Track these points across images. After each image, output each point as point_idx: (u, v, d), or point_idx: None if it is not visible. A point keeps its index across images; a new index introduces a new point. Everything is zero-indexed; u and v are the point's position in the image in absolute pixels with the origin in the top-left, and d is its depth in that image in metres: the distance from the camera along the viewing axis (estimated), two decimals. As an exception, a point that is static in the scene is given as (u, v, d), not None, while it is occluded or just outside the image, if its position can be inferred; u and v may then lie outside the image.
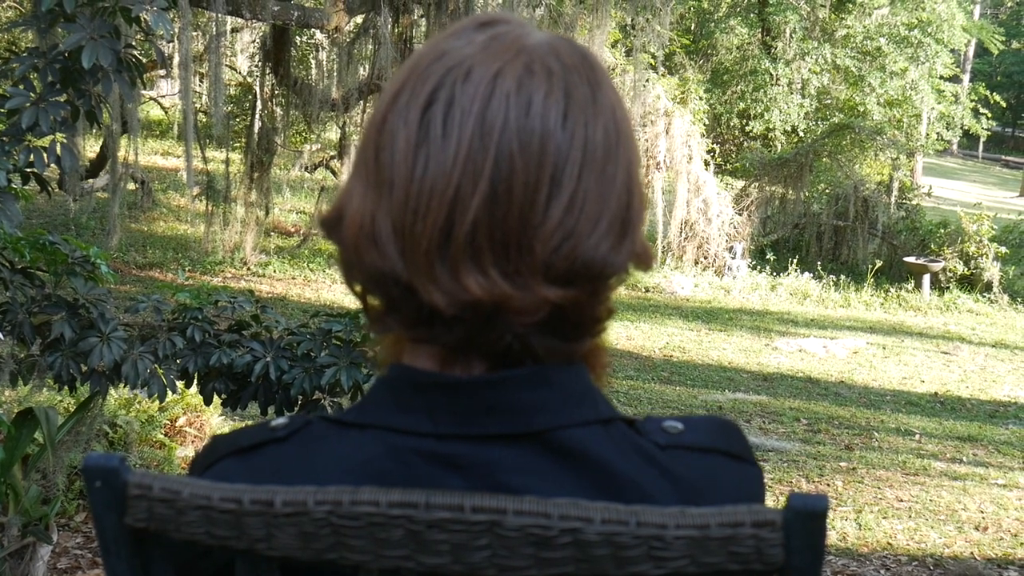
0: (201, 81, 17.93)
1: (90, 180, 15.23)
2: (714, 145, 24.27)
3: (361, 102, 14.82)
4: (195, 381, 4.38)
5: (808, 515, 0.93)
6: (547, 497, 0.94)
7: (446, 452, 1.03)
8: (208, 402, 4.41)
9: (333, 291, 15.53)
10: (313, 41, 17.14)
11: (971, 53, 43.52)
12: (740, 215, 20.32)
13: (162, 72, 16.54)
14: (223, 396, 4.38)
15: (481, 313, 1.00)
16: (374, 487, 0.97)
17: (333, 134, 19.48)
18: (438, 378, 1.05)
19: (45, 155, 4.21)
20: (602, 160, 1.05)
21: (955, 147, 46.83)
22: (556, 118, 1.03)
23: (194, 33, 14.95)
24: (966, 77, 40.98)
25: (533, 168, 1.00)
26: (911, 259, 19.43)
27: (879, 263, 19.71)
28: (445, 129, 1.01)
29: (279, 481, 1.03)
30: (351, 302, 13.84)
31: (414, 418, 1.05)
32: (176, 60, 10.90)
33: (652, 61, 19.51)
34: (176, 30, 9.42)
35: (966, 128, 29.28)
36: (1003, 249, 19.39)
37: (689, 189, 19.44)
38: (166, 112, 21.91)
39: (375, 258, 1.03)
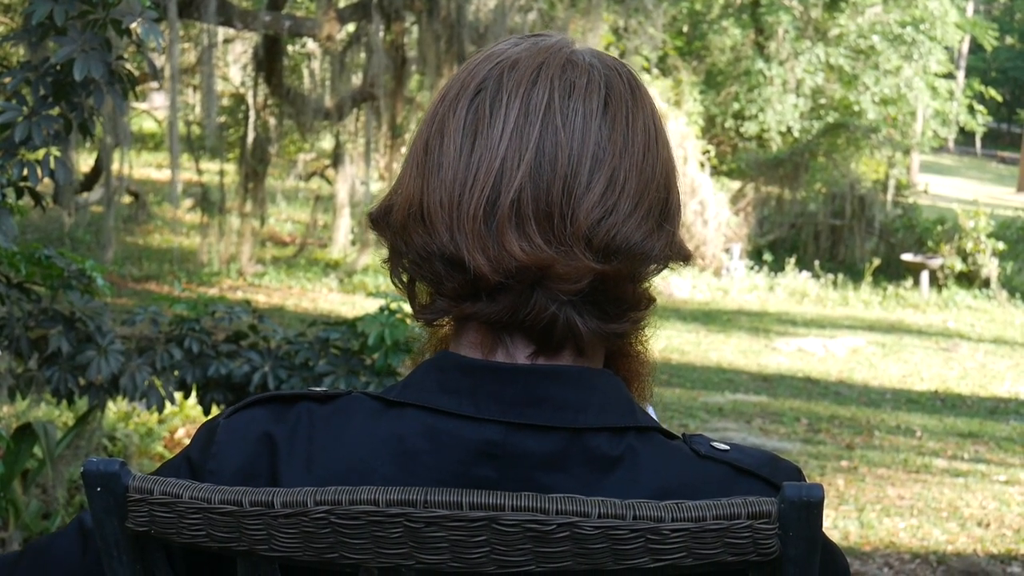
0: (194, 92, 17.94)
1: (85, 194, 15.22)
2: (709, 146, 24.24)
3: (355, 110, 14.82)
4: (193, 392, 4.39)
5: (803, 505, 0.93)
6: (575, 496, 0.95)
7: (483, 438, 1.04)
8: (207, 413, 4.42)
9: (330, 300, 15.52)
10: (305, 50, 17.15)
11: (965, 49, 43.54)
12: (737, 216, 20.33)
13: (155, 84, 16.54)
14: (222, 407, 4.38)
15: (525, 279, 1.02)
16: (399, 465, 0.99)
17: (327, 143, 19.46)
18: (486, 363, 1.07)
19: (39, 169, 4.20)
20: (641, 152, 1.08)
21: (951, 144, 46.80)
22: (598, 105, 1.07)
23: (186, 45, 14.96)
24: (961, 74, 40.99)
25: (576, 145, 1.04)
26: (909, 257, 19.43)
27: (877, 261, 19.70)
28: (492, 111, 1.06)
29: (310, 440, 1.07)
30: (348, 311, 13.85)
31: (456, 400, 1.06)
32: (167, 72, 10.90)
33: (645, 64, 19.54)
34: (167, 42, 9.42)
35: (962, 125, 29.30)
36: (1001, 245, 19.38)
37: (685, 191, 19.45)
38: (159, 124, 21.91)
39: (422, 235, 1.06)
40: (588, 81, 1.08)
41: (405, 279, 1.11)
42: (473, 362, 1.07)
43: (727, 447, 1.09)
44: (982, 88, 31.50)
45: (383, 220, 1.11)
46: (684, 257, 1.12)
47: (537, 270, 1.02)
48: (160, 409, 4.30)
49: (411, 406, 1.07)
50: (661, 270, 1.11)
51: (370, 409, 1.09)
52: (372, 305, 4.48)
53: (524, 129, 1.04)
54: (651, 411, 1.35)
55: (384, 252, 1.13)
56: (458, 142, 1.05)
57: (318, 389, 1.13)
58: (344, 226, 17.45)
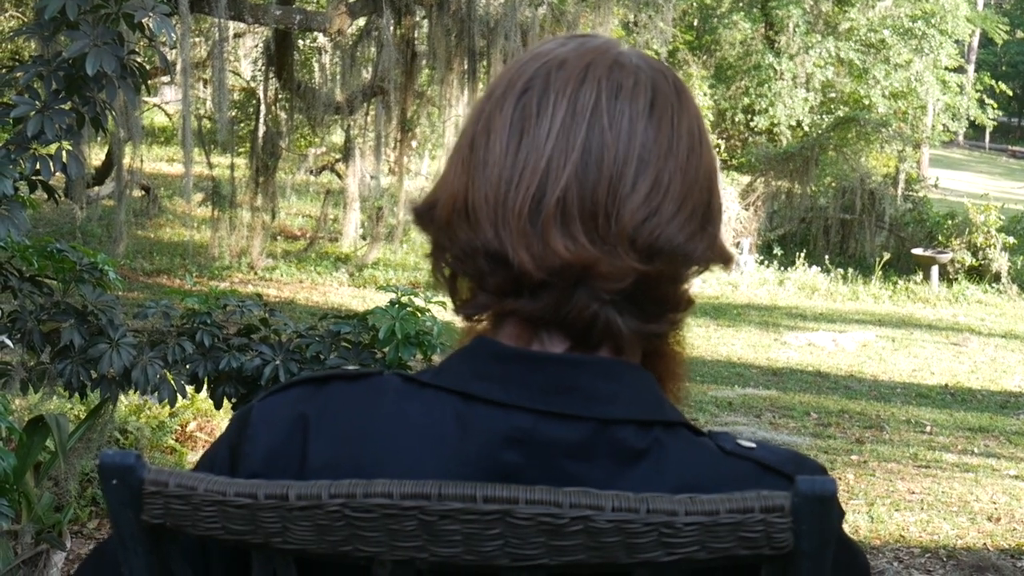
0: (205, 87, 17.95)
1: (96, 188, 15.27)
2: (719, 141, 24.26)
3: (365, 104, 14.82)
4: (205, 386, 4.40)
5: (816, 499, 0.94)
6: (600, 487, 0.95)
7: (511, 425, 1.04)
8: (218, 406, 4.43)
9: (340, 294, 15.54)
10: (316, 45, 17.15)
11: (975, 43, 43.39)
12: (746, 210, 20.30)
13: (166, 79, 16.56)
14: (233, 400, 4.39)
15: (569, 277, 1.03)
16: (435, 449, 1.01)
17: (338, 137, 19.48)
18: (519, 351, 1.08)
19: (51, 163, 4.22)
20: (686, 153, 1.09)
21: (961, 138, 46.66)
22: (644, 106, 1.07)
23: (197, 39, 14.97)
24: (971, 67, 40.85)
25: (623, 145, 1.05)
26: (919, 251, 19.40)
27: (887, 256, 19.67)
28: (539, 110, 1.06)
29: (340, 418, 1.08)
30: (359, 305, 13.86)
31: (487, 386, 1.06)
32: (179, 66, 10.91)
33: (656, 57, 19.49)
34: (178, 36, 9.44)
35: (972, 119, 29.21)
36: (1011, 239, 19.34)
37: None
38: (171, 119, 21.93)
39: (467, 231, 1.06)
40: (635, 83, 1.08)
41: (447, 274, 1.12)
42: (506, 349, 1.08)
43: (753, 445, 1.10)
44: (992, 82, 31.38)
45: (427, 215, 1.12)
46: (725, 260, 1.13)
47: (581, 269, 1.02)
48: (172, 402, 4.31)
49: (442, 389, 1.08)
50: (702, 272, 1.11)
51: (401, 390, 1.10)
52: (383, 299, 4.49)
53: (571, 129, 1.04)
54: None
55: (428, 247, 1.13)
56: (504, 140, 1.06)
57: (352, 367, 1.14)
58: (354, 220, 17.47)
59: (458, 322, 1.16)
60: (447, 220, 1.08)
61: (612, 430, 1.05)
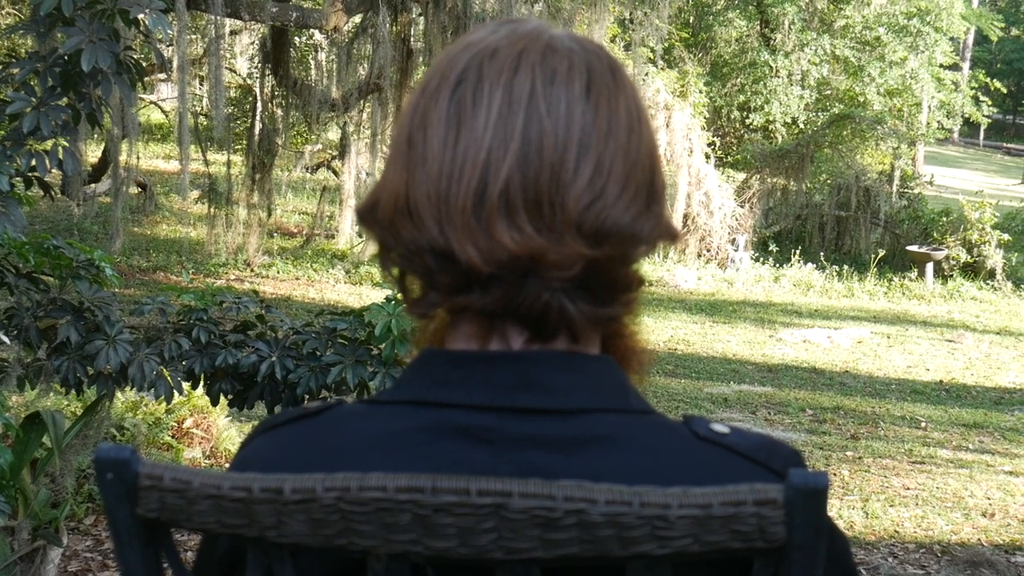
0: (201, 84, 17.94)
1: (92, 184, 15.24)
2: (715, 138, 24.23)
3: (361, 102, 14.82)
4: (201, 382, 4.40)
5: (809, 492, 0.94)
6: (571, 478, 0.95)
7: (476, 424, 1.05)
8: (215, 403, 4.43)
9: (337, 291, 15.54)
10: (312, 42, 17.16)
11: (970, 41, 43.43)
12: (742, 207, 20.32)
13: (162, 76, 16.53)
14: (229, 396, 4.39)
15: (517, 269, 1.02)
16: (400, 461, 1.00)
17: (334, 134, 19.49)
18: (476, 353, 1.08)
19: (47, 159, 4.22)
20: (625, 134, 1.08)
21: (956, 135, 46.73)
22: (580, 90, 1.06)
23: (193, 36, 14.96)
24: (966, 65, 40.88)
25: (561, 131, 1.04)
26: (914, 248, 19.42)
27: (882, 252, 19.71)
28: (475, 101, 1.05)
29: (308, 452, 1.08)
30: (355, 301, 13.87)
31: (447, 391, 1.06)
32: (175, 63, 10.90)
33: (651, 55, 19.51)
34: (175, 32, 9.43)
35: (967, 116, 29.23)
36: (1006, 236, 19.38)
37: (690, 182, 19.44)
38: (167, 116, 21.92)
39: (411, 230, 1.05)
40: (569, 66, 1.07)
41: (396, 273, 1.11)
42: (461, 354, 1.08)
43: (727, 430, 1.10)
44: (987, 79, 31.42)
45: (370, 216, 1.11)
46: (672, 236, 1.12)
47: (529, 259, 1.01)
48: (168, 399, 4.31)
49: (403, 403, 1.08)
50: (651, 251, 1.10)
51: (363, 412, 1.10)
52: (379, 295, 4.48)
53: (508, 118, 1.03)
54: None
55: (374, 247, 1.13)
56: (442, 134, 1.05)
57: (312, 405, 1.15)
58: (350, 217, 17.47)
59: (413, 321, 1.16)
60: (390, 219, 1.07)
61: (578, 420, 1.05)
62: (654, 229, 1.09)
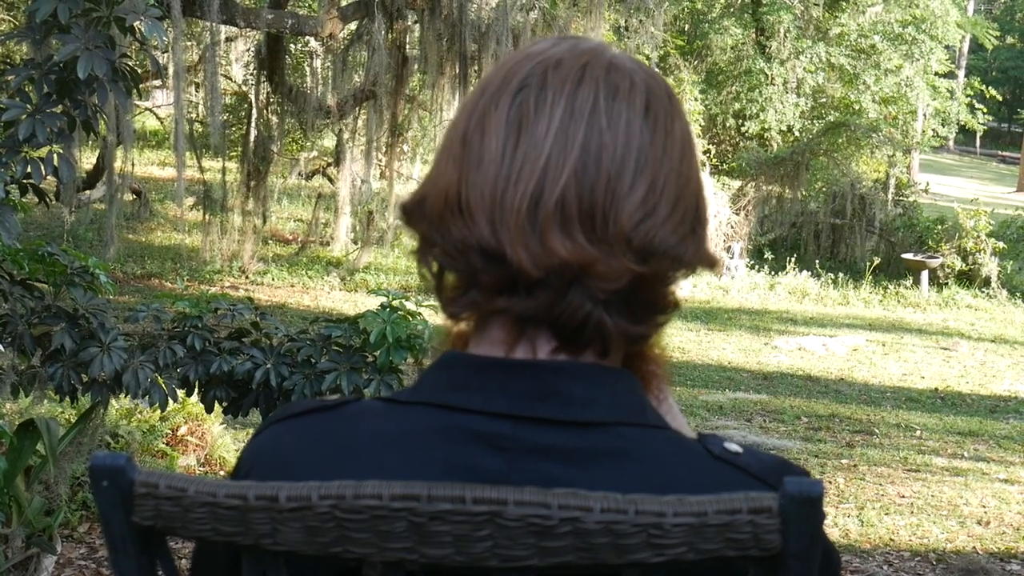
0: (197, 91, 17.94)
1: (87, 191, 15.24)
2: (710, 146, 24.28)
3: (356, 109, 14.83)
4: (196, 389, 4.39)
5: (803, 500, 0.94)
6: (585, 489, 0.95)
7: (492, 431, 1.05)
8: (209, 410, 4.43)
9: (332, 298, 15.54)
10: (307, 49, 17.14)
11: (966, 49, 43.55)
12: (737, 215, 20.33)
13: (158, 82, 16.54)
14: (224, 404, 4.39)
15: (565, 276, 1.03)
16: (413, 460, 1.01)
17: (329, 141, 19.49)
18: (497, 360, 1.08)
19: (42, 166, 4.22)
20: (679, 157, 1.09)
21: (951, 143, 46.79)
22: (640, 109, 1.08)
23: (189, 43, 14.96)
24: (961, 73, 40.99)
25: (620, 146, 1.05)
26: (909, 256, 19.45)
27: (877, 260, 19.73)
28: (537, 108, 1.06)
29: (321, 445, 1.09)
30: (350, 308, 13.85)
31: (465, 396, 1.07)
32: (171, 70, 10.90)
33: (647, 63, 19.51)
34: (170, 39, 9.43)
35: (962, 124, 29.30)
36: (1001, 244, 19.39)
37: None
38: (162, 122, 21.92)
39: (461, 227, 1.05)
40: (631, 85, 1.08)
41: (435, 270, 1.11)
42: (482, 360, 1.08)
43: (740, 450, 1.10)
44: (982, 87, 31.50)
45: (417, 211, 1.11)
46: (711, 263, 1.13)
47: (578, 268, 1.02)
48: (163, 406, 4.31)
49: (420, 404, 1.08)
50: (689, 274, 1.12)
51: (379, 410, 1.10)
52: (373, 302, 4.48)
53: (570, 128, 1.04)
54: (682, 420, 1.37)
55: (413, 243, 1.13)
56: (501, 137, 1.05)
57: (331, 398, 1.14)
58: (345, 224, 17.47)
59: (440, 321, 1.16)
60: (439, 215, 1.07)
61: (594, 433, 1.05)
62: (696, 253, 1.10)
